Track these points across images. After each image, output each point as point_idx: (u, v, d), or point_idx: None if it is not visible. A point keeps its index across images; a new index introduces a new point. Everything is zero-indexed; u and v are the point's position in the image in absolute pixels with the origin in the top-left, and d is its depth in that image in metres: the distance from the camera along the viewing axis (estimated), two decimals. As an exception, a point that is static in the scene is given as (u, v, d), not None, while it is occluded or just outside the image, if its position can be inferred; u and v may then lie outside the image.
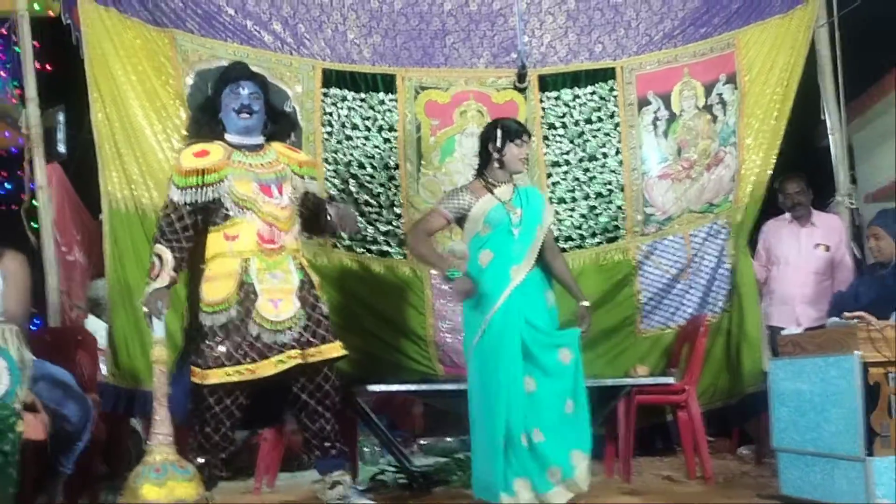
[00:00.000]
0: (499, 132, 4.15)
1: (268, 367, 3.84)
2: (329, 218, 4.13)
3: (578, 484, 3.95)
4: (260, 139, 4.12)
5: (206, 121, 4.09)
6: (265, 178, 4.01)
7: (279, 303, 3.91)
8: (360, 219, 5.22)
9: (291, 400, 4.04)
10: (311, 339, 3.95)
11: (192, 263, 4.02)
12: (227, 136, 4.06)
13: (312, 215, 4.21)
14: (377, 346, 5.26)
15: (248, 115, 4.05)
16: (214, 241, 3.98)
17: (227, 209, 3.94)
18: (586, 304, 4.18)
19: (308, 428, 4.05)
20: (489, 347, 4.00)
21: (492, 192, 4.14)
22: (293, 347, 3.88)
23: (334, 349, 4.01)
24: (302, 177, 4.16)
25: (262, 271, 3.92)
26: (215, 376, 3.83)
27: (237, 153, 4.01)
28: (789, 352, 4.21)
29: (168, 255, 3.86)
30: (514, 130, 4.18)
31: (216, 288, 3.90)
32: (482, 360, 4.01)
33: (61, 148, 5.48)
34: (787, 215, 5.60)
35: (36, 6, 6.08)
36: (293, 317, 3.92)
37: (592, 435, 4.04)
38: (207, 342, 3.87)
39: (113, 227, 4.81)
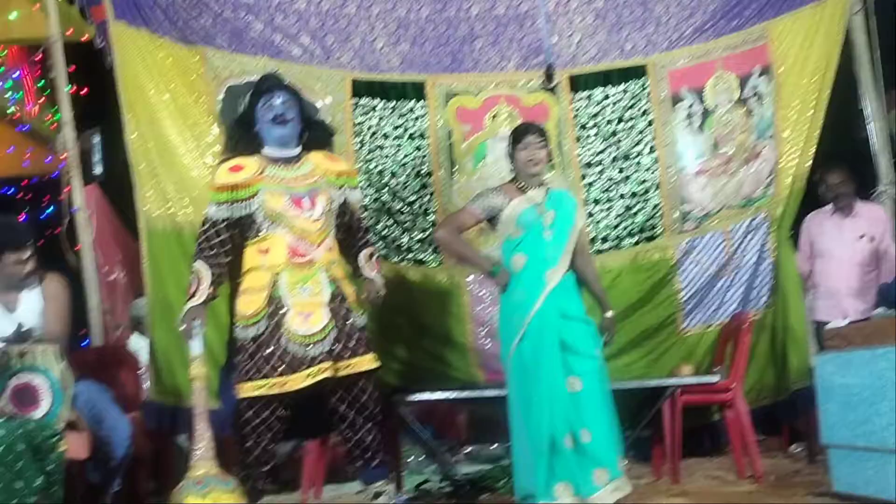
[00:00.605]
0: (510, 138, 4.23)
1: (298, 381, 3.84)
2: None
3: (627, 484, 3.92)
4: (296, 150, 4.12)
5: (241, 135, 4.10)
6: (298, 191, 4.00)
7: (309, 316, 3.90)
8: (394, 227, 5.22)
9: (331, 412, 4.03)
10: (343, 352, 3.93)
11: (232, 278, 4.05)
12: (265, 150, 4.07)
13: (345, 232, 4.21)
14: (417, 354, 5.25)
15: (283, 124, 4.05)
16: (250, 255, 4.00)
17: (259, 224, 3.95)
18: (610, 314, 4.19)
19: (349, 439, 4.05)
20: (529, 352, 3.98)
21: (524, 194, 4.13)
22: (323, 361, 3.87)
23: (366, 362, 3.99)
24: (339, 187, 4.15)
25: (293, 285, 3.92)
26: (248, 390, 3.85)
27: (272, 167, 4.02)
28: (836, 345, 4.12)
29: (206, 272, 3.89)
30: (519, 134, 4.19)
31: (248, 302, 3.92)
32: (522, 365, 3.99)
33: (98, 170, 5.57)
34: (830, 207, 5.51)
35: (69, 31, 6.18)
36: (323, 329, 3.90)
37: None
38: (241, 356, 3.89)
39: (151, 245, 4.85)
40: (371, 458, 4.05)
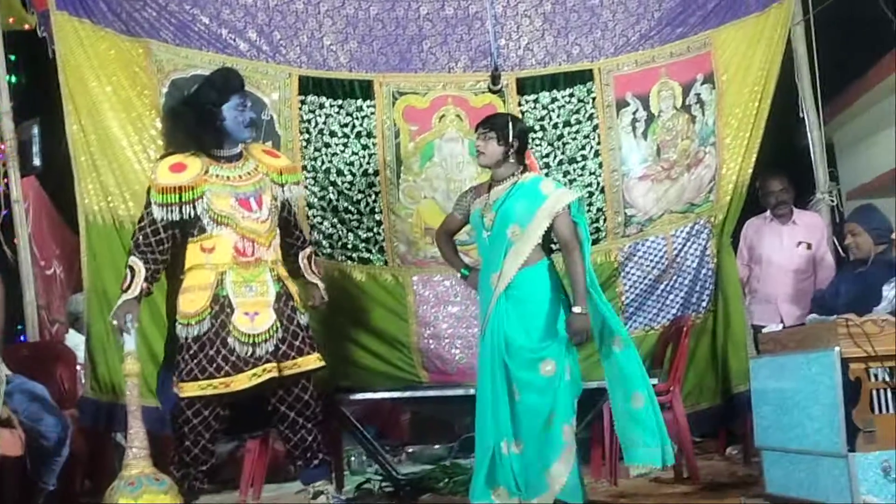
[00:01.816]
0: None
1: (242, 381, 3.82)
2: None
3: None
4: (237, 148, 4.08)
5: (202, 131, 3.95)
6: (244, 192, 3.97)
7: (255, 316, 3.88)
8: (339, 226, 5.21)
9: (271, 411, 4.00)
10: (288, 352, 3.93)
11: (172, 275, 3.99)
12: (214, 150, 4.00)
13: (284, 228, 4.19)
14: (360, 354, 5.22)
15: (251, 127, 4.07)
16: (192, 252, 3.94)
17: (203, 224, 3.90)
18: (577, 310, 3.96)
19: (290, 439, 4.03)
20: (481, 355, 4.04)
21: (489, 192, 4.12)
22: (269, 361, 3.85)
23: (312, 361, 3.99)
24: (282, 185, 4.12)
25: (238, 284, 3.89)
26: (190, 389, 3.80)
27: (215, 166, 3.95)
28: (770, 349, 4.19)
29: (140, 267, 3.83)
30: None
31: (190, 300, 3.87)
32: (480, 367, 4.04)
33: (37, 161, 5.45)
34: (768, 213, 5.61)
35: (11, 19, 6.06)
36: (269, 329, 3.89)
37: (578, 439, 4.02)
38: (182, 355, 3.83)
39: (90, 239, 4.77)
40: (311, 457, 4.04)
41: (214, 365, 3.80)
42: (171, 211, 3.85)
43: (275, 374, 3.86)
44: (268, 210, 4.01)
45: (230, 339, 3.82)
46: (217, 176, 3.94)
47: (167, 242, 3.90)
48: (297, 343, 3.96)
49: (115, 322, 3.77)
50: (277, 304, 3.95)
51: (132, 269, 3.85)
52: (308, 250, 4.33)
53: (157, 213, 3.86)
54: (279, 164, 4.19)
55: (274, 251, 4.05)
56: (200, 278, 3.88)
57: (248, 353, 3.82)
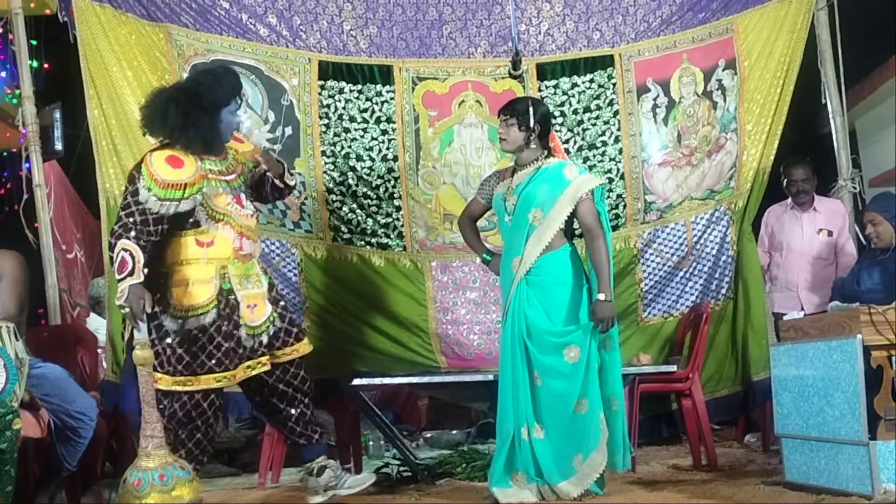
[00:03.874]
0: None
1: (240, 373, 3.89)
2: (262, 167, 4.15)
3: (564, 491, 3.89)
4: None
5: (206, 126, 3.87)
6: (236, 188, 3.98)
7: (255, 308, 3.94)
8: (359, 211, 5.21)
9: (269, 392, 4.05)
10: (286, 339, 4.03)
11: (152, 267, 3.81)
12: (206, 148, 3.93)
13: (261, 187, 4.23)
14: (379, 339, 5.25)
15: (238, 130, 4.11)
16: (185, 246, 3.86)
17: (199, 219, 3.86)
18: (602, 297, 3.93)
19: (290, 415, 4.07)
20: (503, 340, 4.04)
21: (512, 176, 4.11)
22: (263, 354, 3.94)
23: (305, 346, 4.10)
24: (251, 170, 4.14)
25: (239, 277, 3.92)
26: (206, 382, 3.80)
27: (206, 161, 3.89)
28: (791, 337, 4.17)
29: (138, 251, 3.68)
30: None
31: (191, 293, 3.81)
32: (502, 351, 4.04)
33: (59, 146, 5.46)
34: (790, 201, 5.58)
35: (32, 4, 6.09)
36: (266, 320, 3.97)
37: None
38: (185, 347, 3.79)
39: (111, 223, 4.72)
40: (312, 431, 4.10)
41: (228, 358, 3.82)
42: (169, 206, 3.74)
43: (268, 367, 3.95)
44: (252, 204, 4.08)
45: (239, 332, 3.86)
46: (211, 171, 3.89)
47: (159, 234, 3.77)
48: (294, 330, 4.06)
49: (127, 308, 3.66)
50: (270, 294, 4.04)
51: (130, 253, 3.66)
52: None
53: (155, 205, 3.72)
54: (246, 149, 4.16)
55: (258, 244, 4.12)
56: (199, 272, 3.84)
57: (252, 344, 3.90)
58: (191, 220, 3.85)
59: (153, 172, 3.75)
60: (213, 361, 3.80)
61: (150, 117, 3.89)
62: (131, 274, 3.65)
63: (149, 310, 3.67)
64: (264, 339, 3.95)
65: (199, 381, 3.80)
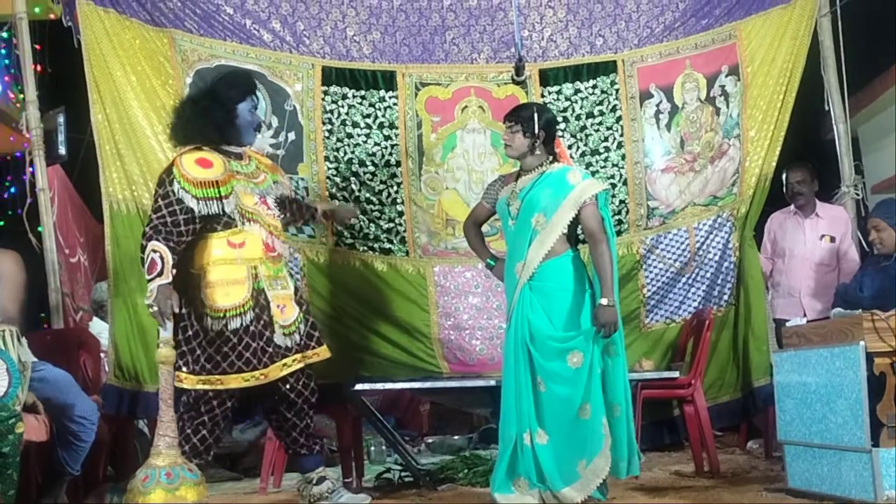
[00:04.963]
0: None
1: (275, 371, 3.92)
2: (319, 213, 4.33)
3: (567, 496, 3.87)
4: (243, 147, 4.14)
5: (221, 126, 3.97)
6: (262, 190, 4.06)
7: (284, 308, 3.99)
8: (361, 217, 5.22)
9: (279, 400, 4.05)
10: (308, 342, 4.07)
11: (181, 268, 3.88)
12: (227, 146, 4.03)
13: (290, 214, 4.31)
14: (381, 344, 5.25)
15: (258, 130, 4.19)
16: (216, 246, 3.92)
17: (231, 219, 3.91)
18: (605, 302, 3.88)
19: (296, 425, 4.10)
20: (506, 345, 4.03)
21: (516, 181, 4.12)
22: (298, 352, 4.00)
23: (324, 351, 4.13)
24: (275, 183, 4.20)
25: (269, 278, 3.97)
26: (234, 381, 3.84)
27: (232, 163, 3.99)
28: (794, 343, 4.17)
29: (167, 252, 3.75)
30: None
31: (225, 294, 3.86)
32: (505, 356, 4.04)
33: (62, 150, 5.46)
34: (792, 207, 5.58)
35: (36, 9, 6.10)
36: (294, 321, 4.01)
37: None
38: (223, 348, 3.84)
39: (114, 228, 4.81)
40: (313, 443, 4.14)
41: (257, 357, 3.86)
42: (201, 204, 3.82)
43: (301, 364, 3.98)
44: (276, 208, 4.12)
45: (272, 332, 3.90)
46: (237, 172, 3.98)
47: (191, 235, 3.85)
48: (315, 333, 4.11)
49: (155, 308, 3.70)
50: (296, 296, 4.10)
51: (160, 254, 3.74)
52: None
53: (192, 205, 3.80)
54: (269, 163, 4.32)
55: (287, 246, 4.20)
56: (232, 273, 3.89)
57: (283, 345, 3.94)
58: (223, 220, 3.90)
59: (185, 173, 3.85)
60: (242, 361, 3.84)
61: (172, 124, 4.04)
62: (160, 274, 3.73)
63: (176, 310, 3.73)
64: (297, 337, 4.00)
65: (227, 381, 3.84)
